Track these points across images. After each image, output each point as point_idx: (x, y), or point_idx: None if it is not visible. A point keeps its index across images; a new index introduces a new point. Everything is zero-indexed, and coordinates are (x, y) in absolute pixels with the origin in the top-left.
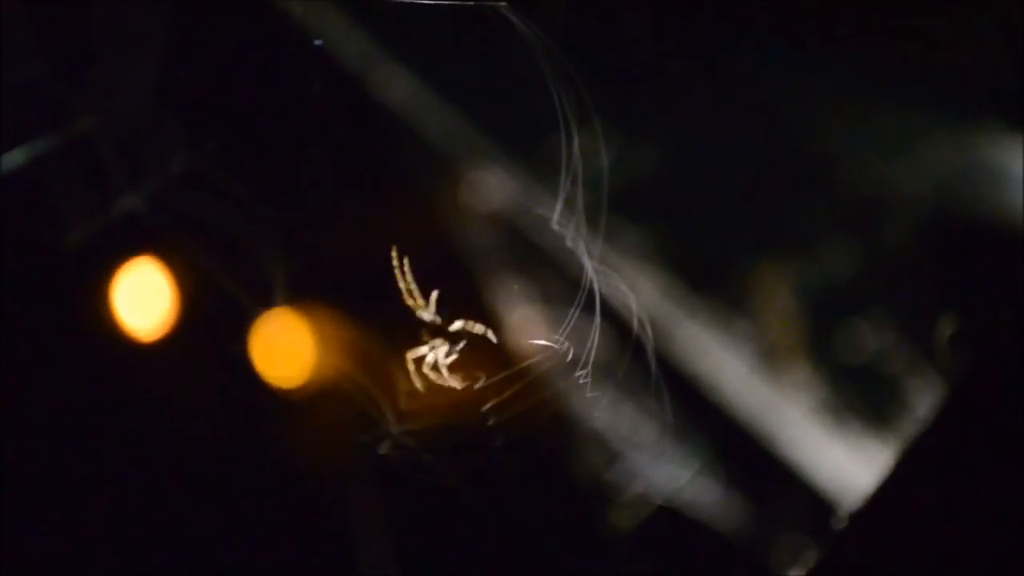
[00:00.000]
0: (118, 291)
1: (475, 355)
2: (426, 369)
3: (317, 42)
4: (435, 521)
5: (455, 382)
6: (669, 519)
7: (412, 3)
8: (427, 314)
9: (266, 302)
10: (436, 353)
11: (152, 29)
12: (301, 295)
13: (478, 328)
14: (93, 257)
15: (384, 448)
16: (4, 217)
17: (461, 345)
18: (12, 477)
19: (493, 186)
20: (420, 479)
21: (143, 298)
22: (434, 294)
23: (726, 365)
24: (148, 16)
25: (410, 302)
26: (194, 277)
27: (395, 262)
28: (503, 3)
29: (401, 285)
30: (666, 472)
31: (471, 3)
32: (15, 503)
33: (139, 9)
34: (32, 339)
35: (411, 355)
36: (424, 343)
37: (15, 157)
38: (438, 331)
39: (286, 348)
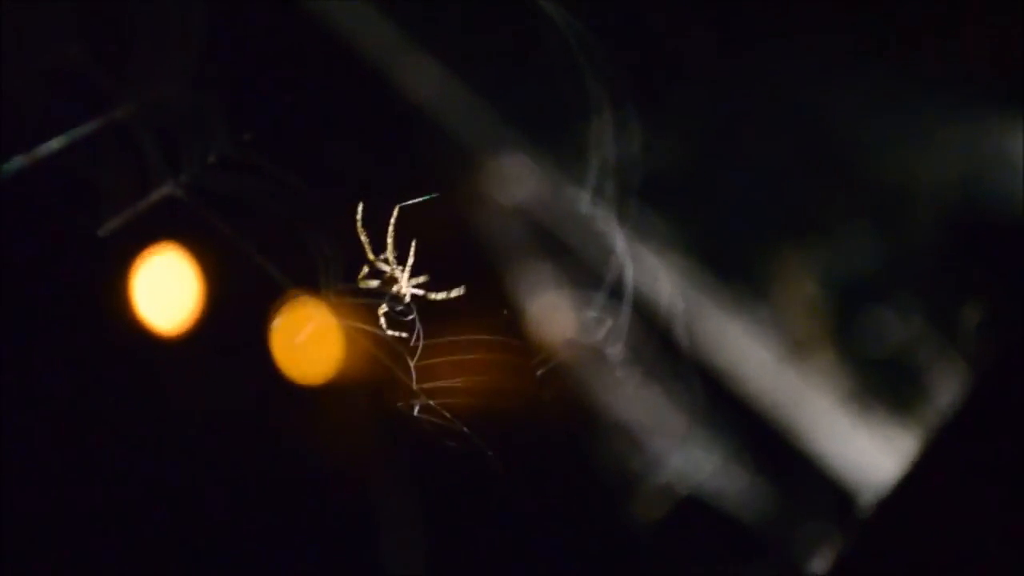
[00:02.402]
0: (144, 280)
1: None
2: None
3: None
4: (459, 506)
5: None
6: (694, 509)
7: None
8: (384, 265)
9: (303, 285)
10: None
11: (190, 17)
12: (329, 282)
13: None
14: (127, 241)
15: (416, 410)
16: (41, 204)
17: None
18: (32, 469)
19: (522, 174)
20: (449, 445)
21: (169, 286)
22: (409, 261)
23: (751, 354)
24: (186, 4)
25: (371, 256)
26: (219, 263)
27: (359, 216)
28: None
29: (363, 239)
30: (692, 462)
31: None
32: (33, 495)
33: None
34: (60, 328)
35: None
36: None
37: (53, 144)
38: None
39: (313, 333)
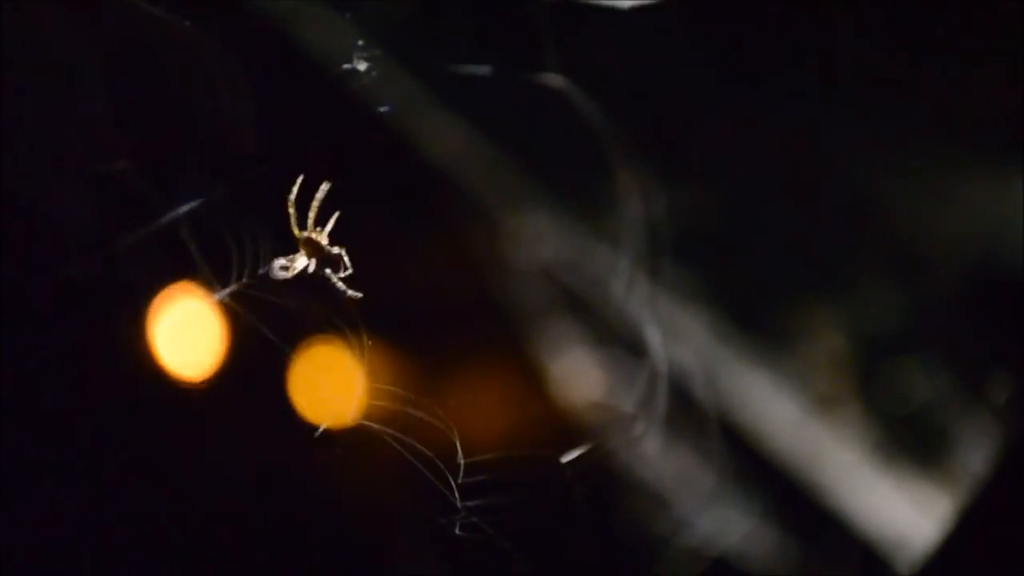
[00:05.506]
0: (163, 330)
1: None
2: (278, 269)
3: (383, 108)
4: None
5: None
6: (723, 571)
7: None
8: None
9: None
10: (299, 262)
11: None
12: (352, 343)
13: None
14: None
15: (456, 529)
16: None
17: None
18: (52, 510)
19: (545, 232)
20: (490, 560)
21: (189, 338)
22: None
23: (777, 410)
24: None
25: (295, 230)
26: (240, 320)
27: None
28: (554, 73)
29: (290, 211)
30: (720, 523)
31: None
32: (56, 537)
33: (223, 106)
34: (76, 376)
35: (277, 262)
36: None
37: (105, 251)
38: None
39: (338, 396)
